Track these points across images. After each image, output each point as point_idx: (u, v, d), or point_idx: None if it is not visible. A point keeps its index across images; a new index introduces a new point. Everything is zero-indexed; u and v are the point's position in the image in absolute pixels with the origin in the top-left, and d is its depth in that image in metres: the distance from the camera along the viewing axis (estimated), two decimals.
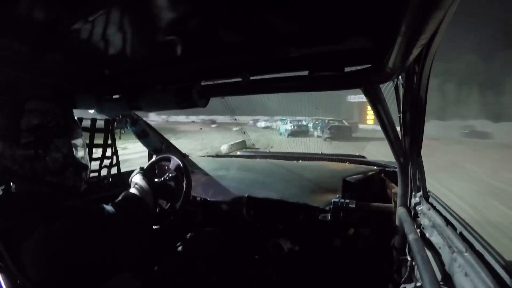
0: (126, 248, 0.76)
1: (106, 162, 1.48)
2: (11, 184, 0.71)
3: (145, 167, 1.28)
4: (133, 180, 1.08)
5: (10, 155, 0.69)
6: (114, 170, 1.52)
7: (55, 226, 0.64)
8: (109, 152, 1.48)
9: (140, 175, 1.08)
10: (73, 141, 0.78)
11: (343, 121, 16.50)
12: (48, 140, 0.72)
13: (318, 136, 15.23)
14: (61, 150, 0.75)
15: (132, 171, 1.14)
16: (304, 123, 16.10)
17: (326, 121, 15.78)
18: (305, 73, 0.80)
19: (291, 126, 15.33)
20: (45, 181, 0.72)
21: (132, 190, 0.99)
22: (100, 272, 0.70)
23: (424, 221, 0.97)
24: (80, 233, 0.67)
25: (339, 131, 14.32)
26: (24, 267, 0.61)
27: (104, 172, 1.47)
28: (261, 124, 21.47)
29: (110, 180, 1.51)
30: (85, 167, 0.83)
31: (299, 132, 15.05)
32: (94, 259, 0.68)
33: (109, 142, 1.46)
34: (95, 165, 1.38)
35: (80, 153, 0.82)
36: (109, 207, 0.78)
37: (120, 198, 0.90)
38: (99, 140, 1.39)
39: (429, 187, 1.04)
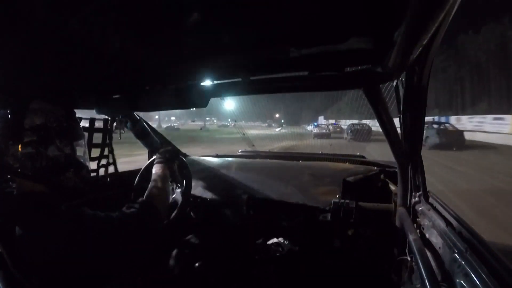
0: (127, 255, 0.75)
1: (104, 161, 1.47)
2: (12, 183, 0.71)
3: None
4: (154, 170, 1.07)
5: (12, 153, 0.69)
6: (112, 170, 1.51)
7: (55, 228, 0.64)
8: (106, 152, 1.47)
9: (161, 166, 1.07)
10: (75, 142, 0.78)
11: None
12: (51, 140, 0.72)
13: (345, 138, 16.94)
14: (63, 150, 0.75)
15: (131, 171, 1.14)
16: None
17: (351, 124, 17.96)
18: (305, 73, 0.80)
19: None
20: (46, 181, 0.72)
21: (147, 193, 0.94)
22: (100, 274, 0.69)
23: (424, 221, 0.97)
24: (80, 237, 0.66)
25: (359, 134, 16.22)
26: (23, 268, 0.61)
27: (102, 171, 1.47)
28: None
29: (109, 179, 1.50)
30: (86, 168, 0.83)
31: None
32: (94, 263, 0.67)
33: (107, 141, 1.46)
34: (93, 164, 1.37)
35: (82, 154, 0.81)
36: (116, 215, 0.76)
37: (132, 208, 0.82)
38: (97, 140, 1.39)
39: None
